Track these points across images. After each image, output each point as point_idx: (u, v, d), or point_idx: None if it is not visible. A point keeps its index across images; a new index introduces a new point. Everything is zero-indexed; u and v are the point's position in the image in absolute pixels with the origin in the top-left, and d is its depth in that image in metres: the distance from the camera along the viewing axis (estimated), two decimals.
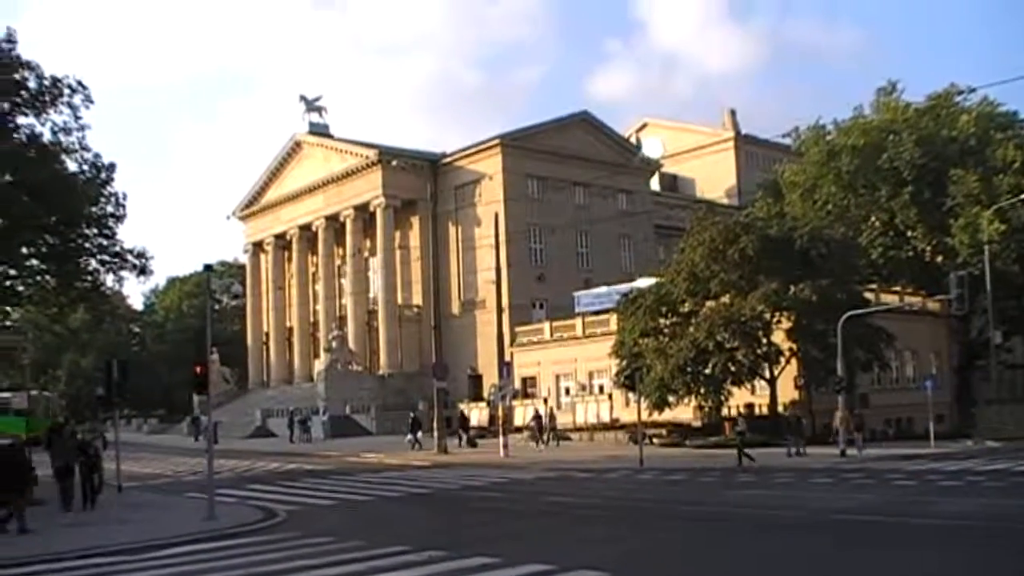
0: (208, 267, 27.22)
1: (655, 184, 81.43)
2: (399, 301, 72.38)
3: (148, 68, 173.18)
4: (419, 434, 46.84)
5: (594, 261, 70.85)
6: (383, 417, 62.17)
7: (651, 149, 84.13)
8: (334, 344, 69.76)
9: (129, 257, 33.35)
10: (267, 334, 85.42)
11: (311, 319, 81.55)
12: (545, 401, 53.78)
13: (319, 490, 27.17)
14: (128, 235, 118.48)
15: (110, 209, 32.64)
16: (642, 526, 18.47)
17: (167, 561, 15.33)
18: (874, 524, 17.02)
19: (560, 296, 64.11)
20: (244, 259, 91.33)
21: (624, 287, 51.93)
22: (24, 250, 32.46)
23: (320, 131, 78.60)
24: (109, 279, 34.38)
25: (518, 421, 50.61)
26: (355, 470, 35.18)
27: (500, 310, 48.51)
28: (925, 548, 14.58)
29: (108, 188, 32.54)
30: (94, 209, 32.11)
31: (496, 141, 68.30)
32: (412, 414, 50.21)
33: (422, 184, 67.30)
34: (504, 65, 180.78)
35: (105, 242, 32.96)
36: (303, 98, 79.05)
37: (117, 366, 25.13)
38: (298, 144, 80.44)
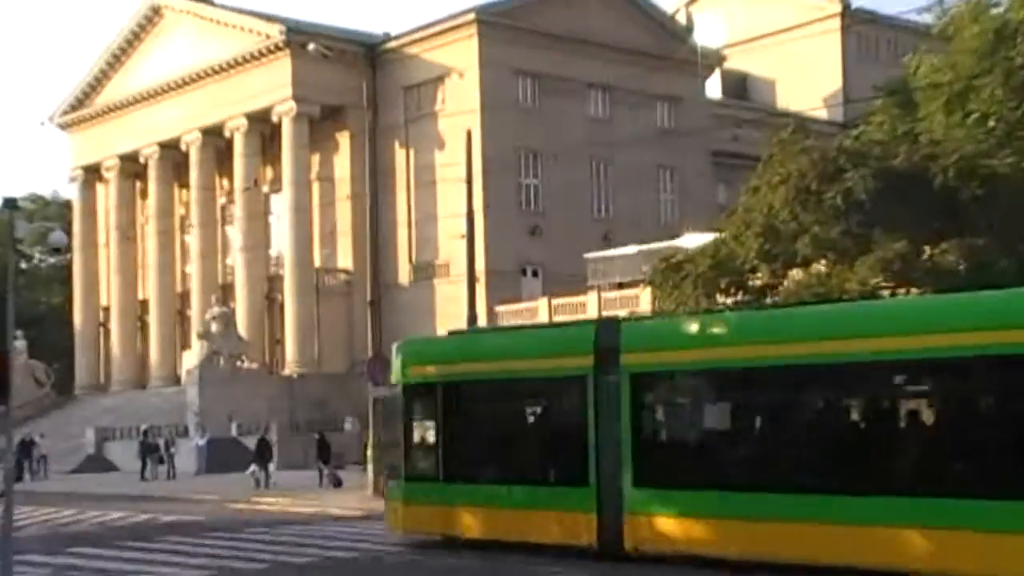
0: (10, 202, 26.29)
1: (714, 88, 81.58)
2: (317, 263, 72.39)
3: None
4: (270, 466, 47.71)
5: (617, 207, 70.76)
6: (290, 441, 61.50)
7: (709, 34, 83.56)
8: (214, 327, 69.35)
9: None
10: (107, 310, 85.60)
11: (178, 288, 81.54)
12: None
13: (182, 555, 26.60)
14: None
15: None
16: None
17: None
18: None
19: (564, 259, 64.15)
20: (71, 192, 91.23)
21: (662, 246, 51.70)
22: None
23: None
24: None
25: None
26: (243, 523, 34.74)
27: (472, 278, 47.95)
28: None
29: None
30: None
31: (470, 17, 68.03)
32: (261, 435, 51.79)
33: (354, 82, 67.28)
34: None
35: None
36: None
37: None
38: (156, 11, 79.84)
